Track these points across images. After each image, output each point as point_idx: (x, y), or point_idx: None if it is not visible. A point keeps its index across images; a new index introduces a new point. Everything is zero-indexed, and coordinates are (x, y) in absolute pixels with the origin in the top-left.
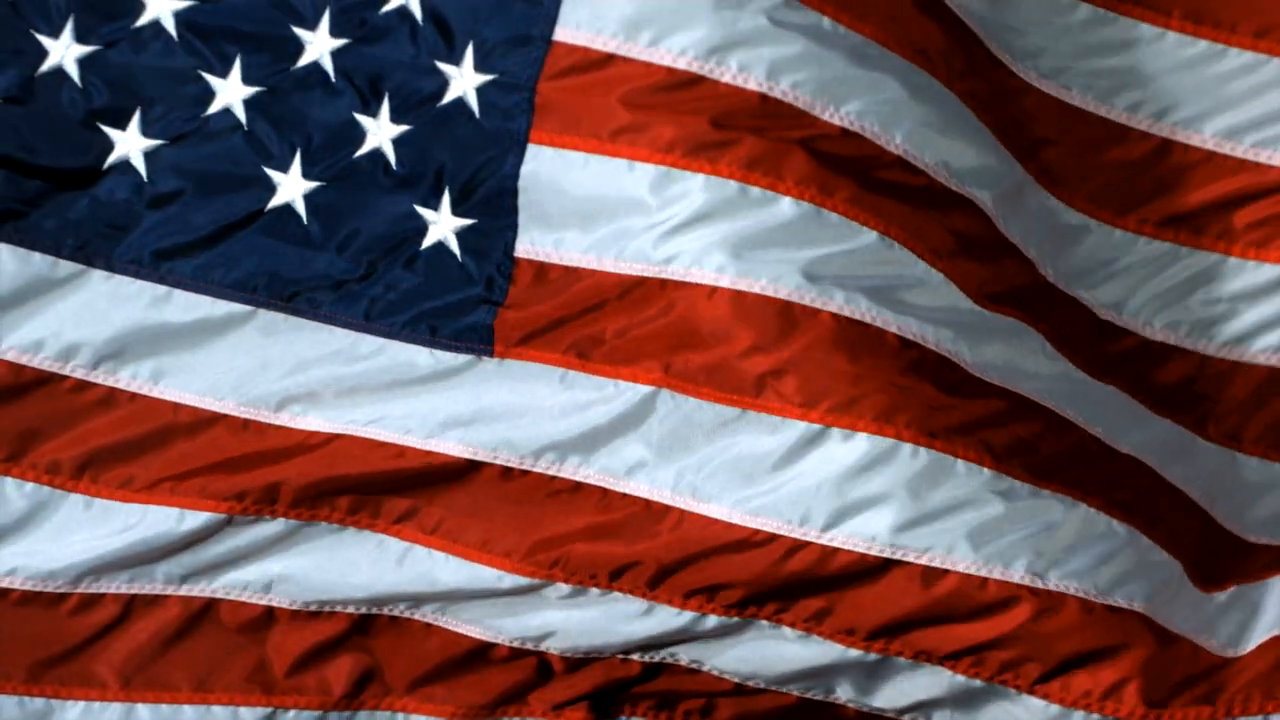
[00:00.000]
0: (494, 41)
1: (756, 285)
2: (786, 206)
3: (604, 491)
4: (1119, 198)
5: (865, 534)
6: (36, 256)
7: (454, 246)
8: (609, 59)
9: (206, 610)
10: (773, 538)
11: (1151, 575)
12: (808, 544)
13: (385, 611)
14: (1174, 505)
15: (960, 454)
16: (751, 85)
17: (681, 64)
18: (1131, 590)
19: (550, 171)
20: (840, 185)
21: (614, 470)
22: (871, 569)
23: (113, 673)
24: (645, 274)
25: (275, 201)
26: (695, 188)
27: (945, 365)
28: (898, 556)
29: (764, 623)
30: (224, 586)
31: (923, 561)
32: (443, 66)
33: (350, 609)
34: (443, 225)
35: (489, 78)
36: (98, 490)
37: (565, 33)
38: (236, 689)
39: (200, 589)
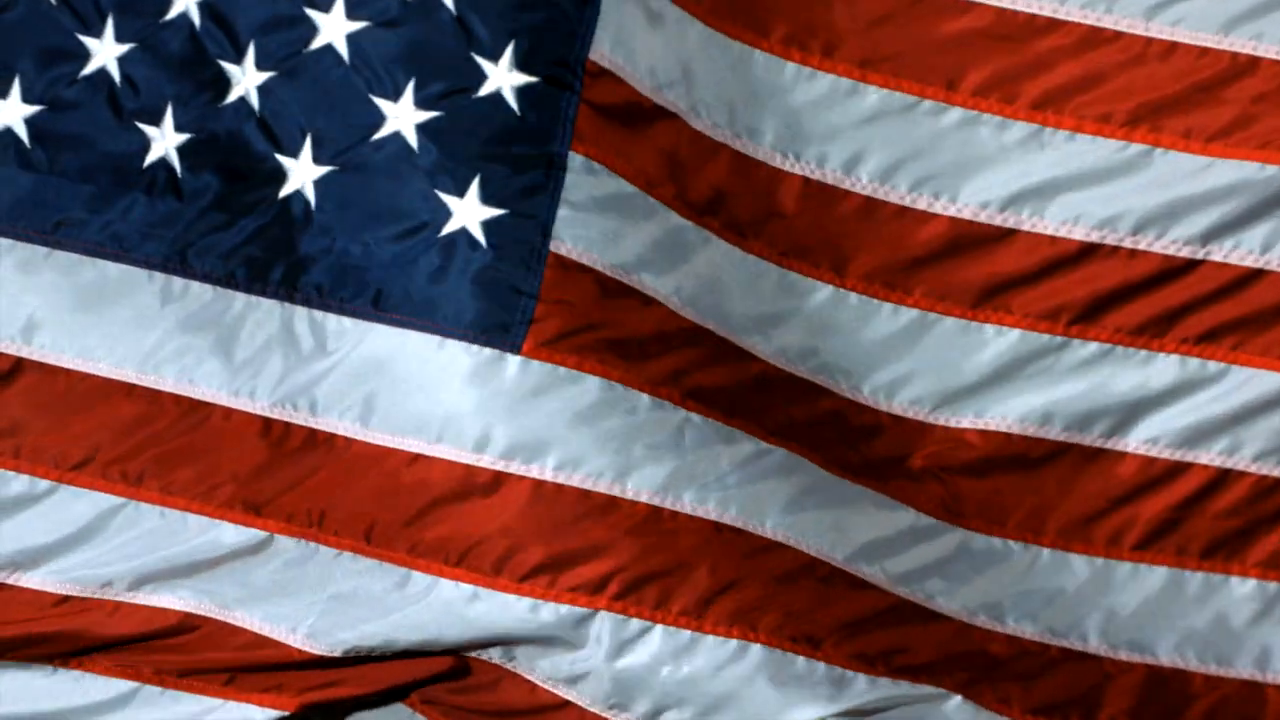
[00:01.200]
0: (533, 45)
1: None
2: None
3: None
4: None
5: None
6: (90, 262)
7: (479, 235)
8: (630, 91)
9: (251, 641)
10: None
11: None
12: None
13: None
14: None
15: None
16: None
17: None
18: None
19: (589, 183)
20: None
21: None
22: None
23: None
24: (659, 299)
25: (286, 190)
26: (700, 243)
27: None
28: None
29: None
30: (263, 621)
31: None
32: (480, 60)
33: (376, 652)
34: (467, 213)
35: (531, 79)
36: (161, 499)
37: (597, 54)
38: (260, 690)
39: (242, 619)
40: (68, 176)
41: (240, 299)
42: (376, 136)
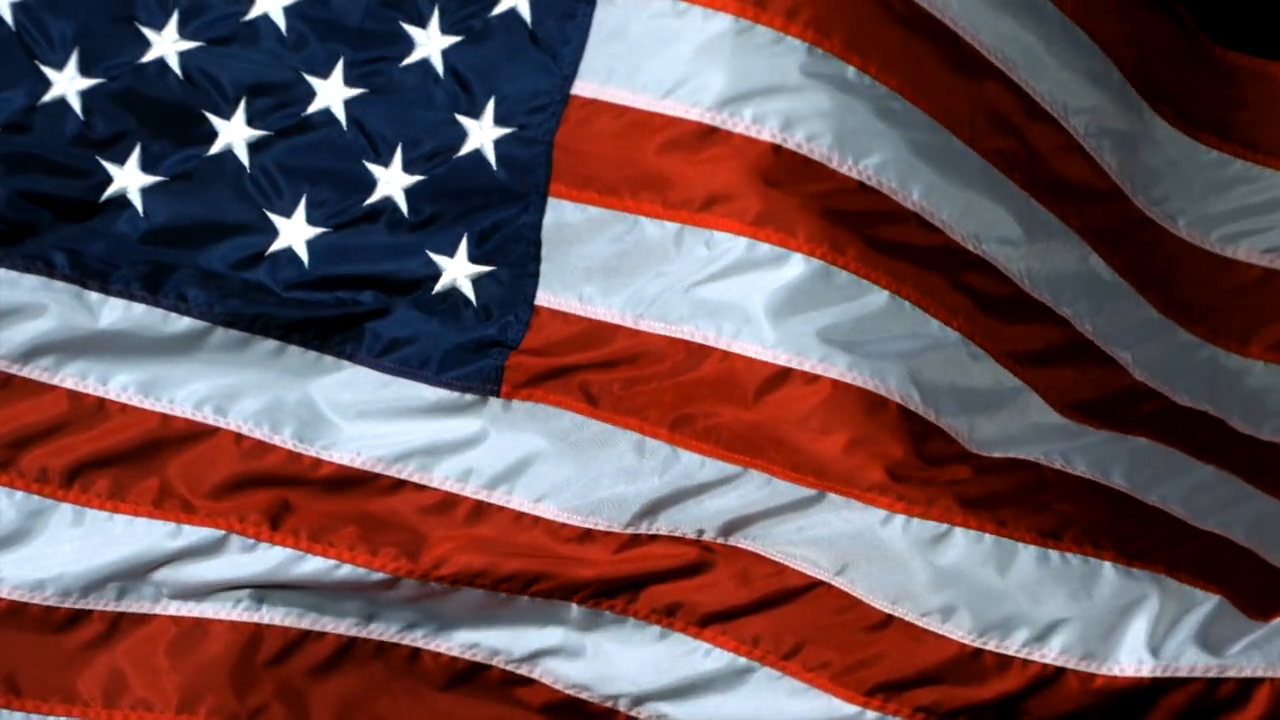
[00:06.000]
0: (513, 96)
1: (765, 353)
2: (797, 264)
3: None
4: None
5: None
6: (29, 279)
7: (468, 291)
8: (625, 112)
9: (195, 630)
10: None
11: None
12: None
13: (374, 635)
14: (1210, 549)
15: (967, 524)
16: (765, 137)
17: (694, 116)
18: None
19: (569, 224)
20: (852, 242)
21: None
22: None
23: (97, 690)
24: (665, 332)
25: (277, 245)
26: (707, 244)
27: (943, 436)
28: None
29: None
30: (213, 608)
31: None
32: (462, 119)
33: (341, 629)
34: (457, 271)
35: (508, 131)
36: (87, 499)
37: (583, 87)
38: (219, 711)
39: (189, 609)
40: (14, 193)
41: (207, 329)
42: (370, 201)
